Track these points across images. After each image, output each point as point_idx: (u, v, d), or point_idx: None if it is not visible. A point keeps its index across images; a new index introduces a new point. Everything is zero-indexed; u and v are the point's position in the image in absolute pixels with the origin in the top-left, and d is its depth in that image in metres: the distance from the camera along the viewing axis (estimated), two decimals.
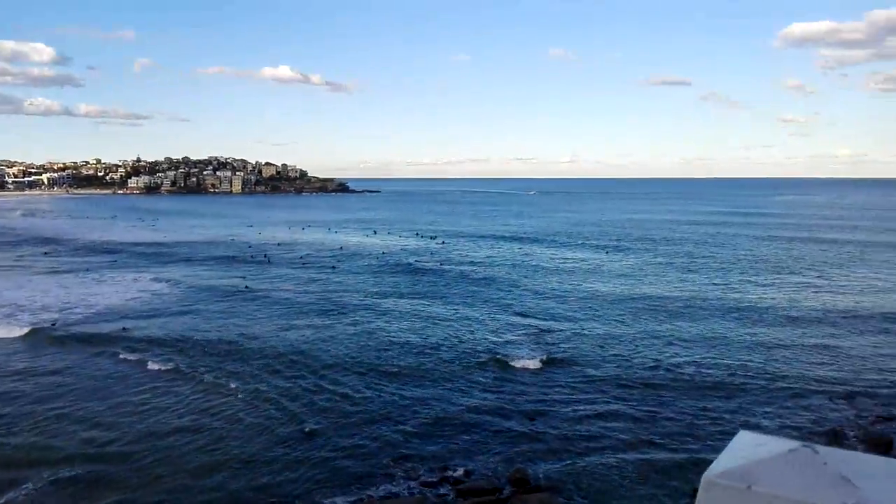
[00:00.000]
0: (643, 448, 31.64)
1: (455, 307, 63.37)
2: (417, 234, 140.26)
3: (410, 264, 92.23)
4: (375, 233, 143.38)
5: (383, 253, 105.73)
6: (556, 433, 33.23)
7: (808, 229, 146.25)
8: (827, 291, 71.48)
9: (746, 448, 1.81)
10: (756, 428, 34.46)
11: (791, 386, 40.58)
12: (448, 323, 56.80)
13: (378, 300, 66.85)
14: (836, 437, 33.38)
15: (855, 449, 31.77)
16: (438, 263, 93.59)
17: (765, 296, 68.75)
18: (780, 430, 34.14)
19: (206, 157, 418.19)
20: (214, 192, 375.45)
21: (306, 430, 33.74)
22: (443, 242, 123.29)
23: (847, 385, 41.17)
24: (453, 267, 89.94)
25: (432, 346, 49.37)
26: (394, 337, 51.89)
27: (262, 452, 31.20)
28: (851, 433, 33.99)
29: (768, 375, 42.38)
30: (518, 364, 44.43)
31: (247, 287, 74.46)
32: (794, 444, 1.77)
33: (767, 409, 36.86)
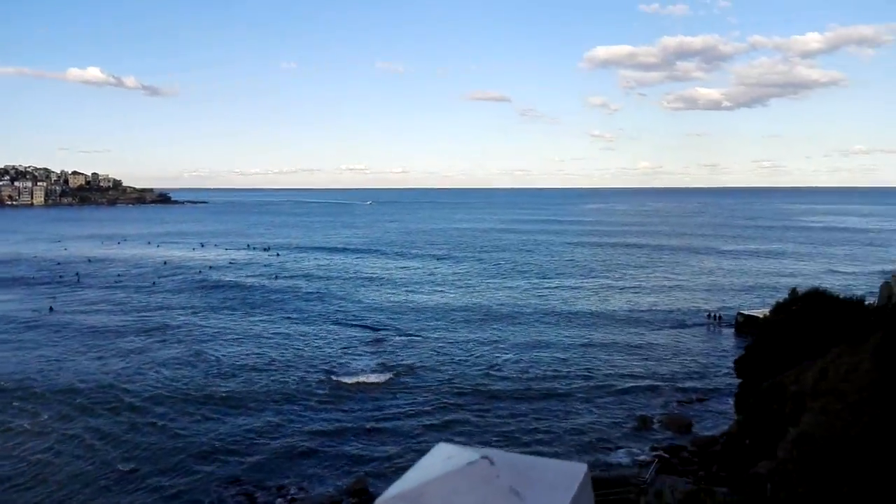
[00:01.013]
0: None
1: (289, 323, 62.00)
2: (249, 246, 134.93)
3: (241, 278, 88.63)
4: (203, 246, 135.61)
5: (210, 267, 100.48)
6: (395, 445, 33.67)
7: (615, 235, 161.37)
8: (631, 292, 79.45)
9: (434, 464, 1.70)
10: (577, 419, 37.62)
11: (605, 381, 44.63)
12: (282, 340, 55.34)
13: (205, 319, 63.49)
14: (644, 424, 37.42)
15: (660, 431, 36.02)
16: (272, 277, 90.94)
17: (579, 298, 74.94)
18: (596, 424, 37.45)
19: (2, 167, 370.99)
20: (13, 205, 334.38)
21: (125, 469, 30.82)
22: (277, 254, 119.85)
23: (652, 376, 46.15)
24: (287, 280, 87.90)
25: (265, 366, 47.64)
26: (223, 358, 49.47)
27: (74, 500, 28.31)
28: (657, 419, 38.25)
29: (585, 373, 46.25)
30: (356, 379, 44.18)
31: (51, 309, 67.45)
32: (476, 455, 1.67)
33: (587, 406, 40.25)
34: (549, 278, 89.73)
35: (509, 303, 71.46)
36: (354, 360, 49.25)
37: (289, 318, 64.25)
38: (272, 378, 44.73)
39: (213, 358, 49.65)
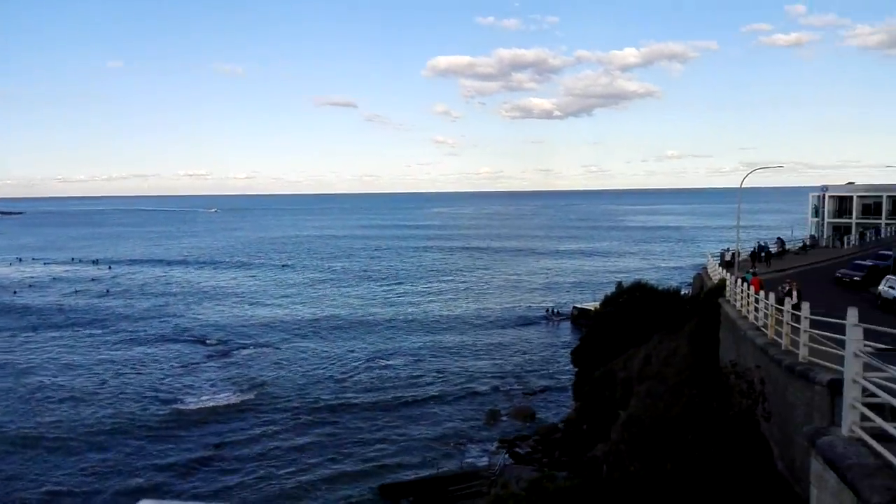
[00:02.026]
0: (326, 467, 32.90)
1: (123, 344, 57.32)
2: (74, 260, 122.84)
3: (65, 297, 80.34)
4: (21, 261, 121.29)
5: (30, 286, 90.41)
6: (246, 475, 31.79)
7: (460, 238, 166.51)
8: (477, 293, 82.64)
9: None
10: (432, 421, 38.58)
11: (457, 382, 46.12)
12: (115, 364, 50.71)
13: (23, 344, 56.92)
14: (493, 417, 39.27)
15: (508, 423, 37.87)
16: (102, 294, 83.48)
17: (428, 302, 76.67)
18: (450, 423, 38.68)
19: None
20: None
21: None
22: (109, 268, 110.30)
23: (499, 372, 48.42)
24: (120, 297, 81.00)
25: (97, 395, 43.20)
26: (47, 389, 44.43)
27: None
28: (504, 412, 40.26)
29: (437, 376, 47.42)
30: (200, 403, 41.46)
31: None
32: None
33: (440, 407, 41.35)
34: (398, 283, 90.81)
35: (360, 310, 71.46)
36: (198, 381, 46.60)
37: (122, 338, 59.49)
38: (105, 409, 40.55)
39: (35, 388, 44.53)
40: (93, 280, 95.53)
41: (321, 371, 48.51)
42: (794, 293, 24.46)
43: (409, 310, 71.62)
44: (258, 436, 36.33)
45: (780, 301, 18.15)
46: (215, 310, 72.55)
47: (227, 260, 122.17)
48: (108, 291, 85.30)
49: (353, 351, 54.11)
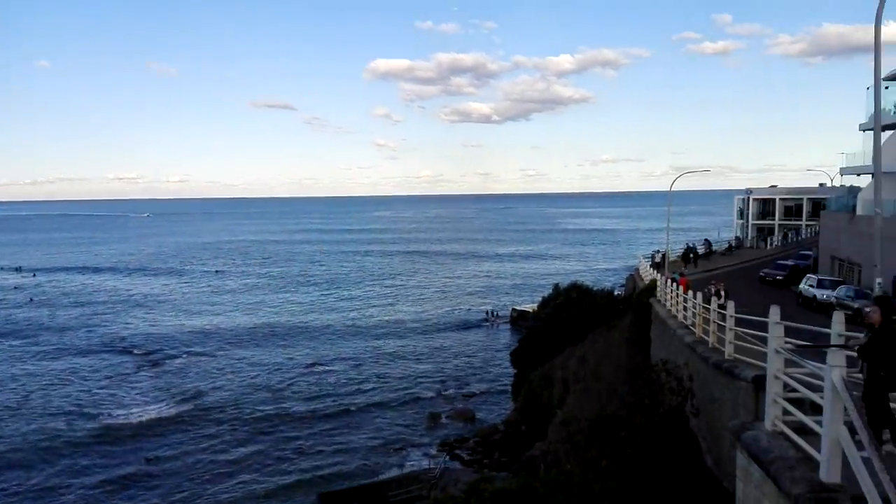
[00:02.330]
0: (264, 479, 32.14)
1: (47, 356, 54.44)
2: None
3: None
4: None
5: None
6: (176, 495, 30.73)
7: (401, 242, 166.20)
8: (417, 297, 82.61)
9: None
10: (373, 427, 38.22)
11: (398, 387, 45.88)
12: (38, 378, 48.01)
13: None
14: (434, 421, 39.24)
15: (448, 426, 37.84)
16: (25, 303, 79.22)
17: (369, 307, 76.10)
18: (391, 428, 38.43)
19: None
20: None
21: None
22: (33, 275, 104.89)
23: (440, 375, 48.43)
24: (44, 306, 77.11)
25: (16, 412, 40.77)
26: None
27: None
28: (445, 415, 40.28)
29: (378, 382, 47.00)
30: (131, 417, 39.63)
31: None
32: None
33: (381, 413, 41.02)
34: (338, 288, 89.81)
35: (298, 316, 70.30)
36: (128, 393, 44.74)
37: (47, 349, 56.62)
38: (29, 425, 38.37)
39: None
40: (15, 288, 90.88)
41: (258, 380, 47.35)
42: (722, 293, 25.38)
43: (349, 315, 70.91)
44: (192, 449, 35.03)
45: (707, 300, 18.80)
46: (146, 318, 69.97)
47: (160, 266, 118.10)
48: (31, 300, 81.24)
49: (291, 358, 53.11)
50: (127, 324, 67.05)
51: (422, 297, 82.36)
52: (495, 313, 69.10)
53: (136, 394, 44.61)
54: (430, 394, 44.40)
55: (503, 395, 43.61)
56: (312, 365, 50.91)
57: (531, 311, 54.80)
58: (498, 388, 45.60)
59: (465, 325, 65.60)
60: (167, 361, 52.58)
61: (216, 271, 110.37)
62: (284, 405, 41.87)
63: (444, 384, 46.39)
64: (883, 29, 14.49)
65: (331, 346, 56.92)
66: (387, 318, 69.25)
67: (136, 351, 55.76)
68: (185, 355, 54.28)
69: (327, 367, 50.30)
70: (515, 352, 44.18)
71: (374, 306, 76.03)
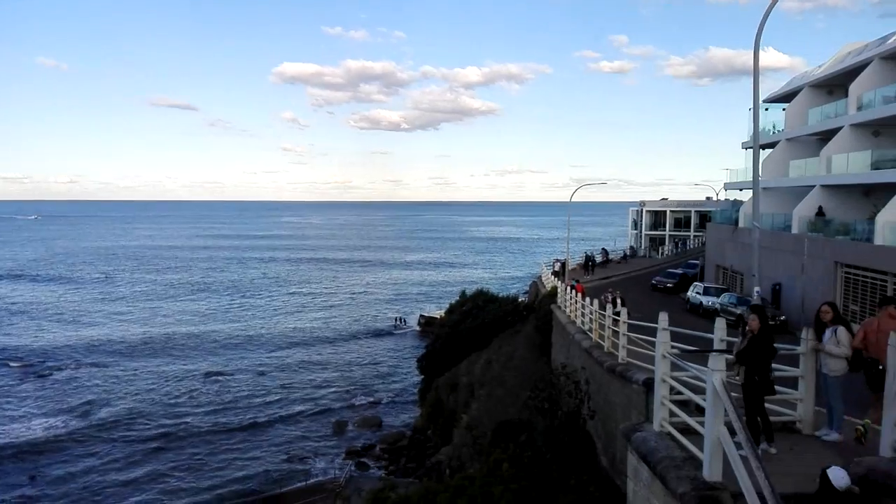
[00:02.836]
0: (160, 499, 30.68)
1: None
2: None
3: None
4: None
5: None
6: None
7: (309, 249, 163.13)
8: (325, 304, 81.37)
9: None
10: (279, 438, 37.25)
11: (304, 396, 44.94)
12: None
13: None
14: (340, 429, 38.74)
15: (354, 433, 37.46)
16: None
17: (275, 315, 74.24)
18: (297, 439, 37.62)
19: None
20: None
21: None
22: None
23: (347, 383, 47.84)
24: None
25: None
26: None
27: None
28: (351, 421, 39.87)
29: (284, 392, 45.81)
30: (12, 437, 36.49)
31: None
32: None
33: (287, 423, 40.05)
34: (241, 296, 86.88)
35: (198, 325, 67.49)
36: (9, 409, 41.36)
37: None
38: None
39: None
40: None
41: (153, 393, 45.00)
42: (618, 300, 26.60)
43: (253, 323, 68.85)
44: (81, 470, 32.80)
45: (603, 307, 19.69)
46: (30, 328, 65.05)
47: (47, 272, 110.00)
48: None
49: (189, 370, 50.87)
50: (9, 333, 62.09)
51: (329, 304, 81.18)
52: (403, 320, 69.14)
53: (19, 408, 41.40)
54: (337, 402, 43.81)
55: (410, 402, 43.69)
56: (213, 376, 48.99)
57: (439, 317, 55.22)
58: (405, 394, 45.65)
59: (373, 333, 65.23)
60: (54, 373, 49.08)
61: (108, 277, 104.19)
62: (183, 419, 40.02)
63: (351, 392, 45.91)
64: (762, 55, 15.66)
65: (233, 356, 55.02)
66: (292, 326, 67.76)
67: (16, 363, 51.67)
68: (73, 367, 50.83)
69: (229, 378, 48.58)
70: (422, 357, 44.40)
71: (280, 314, 74.23)
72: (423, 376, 43.69)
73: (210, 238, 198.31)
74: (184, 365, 51.98)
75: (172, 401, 43.37)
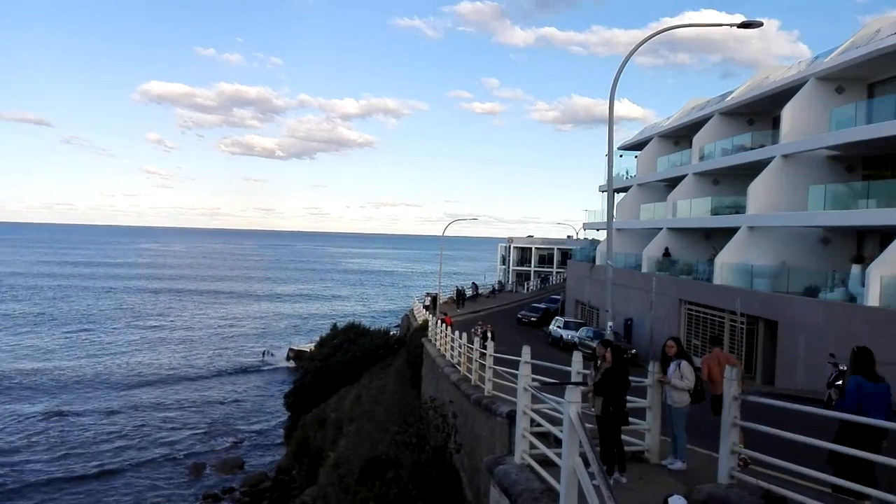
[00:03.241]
0: None
1: None
2: None
3: None
4: None
5: None
6: None
7: (171, 278, 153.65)
8: (187, 338, 76.84)
9: None
10: (129, 487, 34.38)
11: (160, 439, 41.76)
12: None
13: None
14: (197, 472, 36.43)
15: (213, 476, 35.32)
16: None
17: (129, 351, 68.89)
18: (151, 486, 34.89)
19: None
20: None
21: None
22: None
23: (208, 422, 45.17)
24: None
25: None
26: None
27: None
28: (210, 463, 37.61)
29: (137, 436, 42.38)
30: None
31: None
32: None
33: (140, 469, 36.96)
34: (91, 330, 79.92)
35: (41, 362, 61.18)
36: None
37: None
38: None
39: None
40: None
41: None
42: (489, 334, 27.36)
43: (103, 359, 63.46)
44: None
45: (472, 340, 20.18)
46: None
47: None
48: None
49: (28, 412, 45.75)
50: None
51: (190, 338, 76.66)
52: (271, 353, 66.72)
53: None
54: (196, 445, 41.18)
55: (276, 441, 42.02)
56: (55, 417, 44.44)
57: (308, 350, 53.89)
58: (270, 433, 43.85)
59: (237, 368, 62.34)
60: None
61: None
62: (18, 468, 35.86)
63: (211, 433, 43.39)
64: (617, 105, 17.03)
65: (79, 396, 50.29)
66: (148, 362, 63.23)
67: None
68: None
69: (74, 420, 44.29)
70: (289, 394, 43.05)
71: (133, 349, 69.07)
72: (289, 413, 42.29)
73: (56, 265, 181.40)
74: (21, 405, 46.78)
75: (6, 446, 38.85)
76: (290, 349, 65.02)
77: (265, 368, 62.92)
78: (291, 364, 60.85)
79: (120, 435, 42.09)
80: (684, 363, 10.35)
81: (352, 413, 32.19)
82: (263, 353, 66.91)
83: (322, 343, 46.31)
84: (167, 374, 58.80)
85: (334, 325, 47.91)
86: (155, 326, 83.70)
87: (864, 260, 23.50)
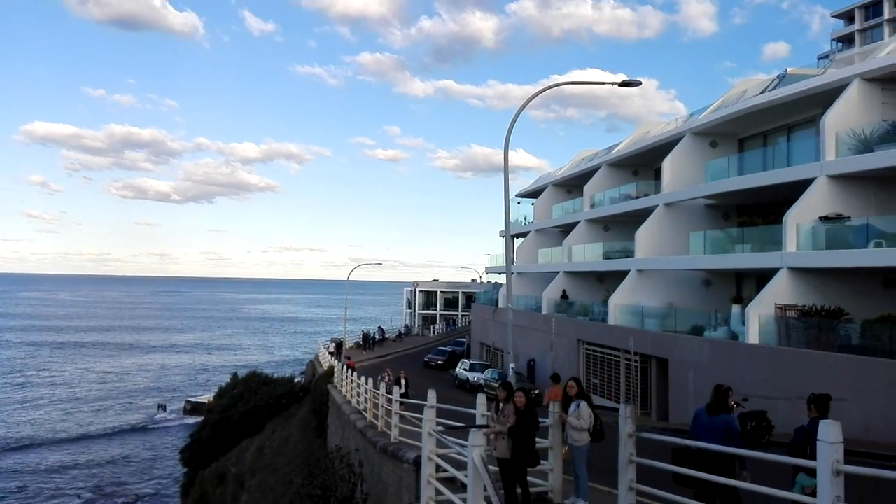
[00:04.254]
0: None
1: None
2: None
3: None
4: None
5: None
6: None
7: (52, 330, 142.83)
8: (70, 394, 71.29)
9: None
10: None
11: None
12: None
13: None
14: None
15: None
16: None
17: (3, 408, 63.30)
18: None
19: None
20: None
21: None
22: None
23: (93, 483, 42.01)
24: None
25: None
26: None
27: None
28: None
29: (14, 499, 38.99)
30: None
31: None
32: None
33: None
34: None
35: None
36: None
37: None
38: None
39: None
40: None
41: None
42: (402, 381, 27.23)
43: None
44: None
45: (377, 386, 20.12)
46: None
47: None
48: None
49: None
50: None
51: (75, 394, 71.14)
52: (164, 406, 63.15)
53: None
54: None
55: (170, 499, 39.61)
56: None
57: (207, 402, 51.45)
58: (164, 492, 41.31)
59: (128, 424, 58.50)
60: None
61: None
62: None
63: (98, 495, 40.38)
64: (513, 155, 17.94)
65: None
66: (28, 419, 58.20)
67: None
68: None
69: None
70: (186, 448, 40.83)
71: (11, 408, 63.37)
72: (186, 469, 40.04)
73: None
74: None
75: None
76: (187, 401, 61.89)
77: (159, 423, 59.41)
78: (188, 418, 57.80)
79: None
80: (583, 404, 10.48)
81: (254, 466, 30.97)
82: (157, 407, 63.25)
83: (221, 394, 44.36)
84: (46, 433, 54.27)
85: (234, 375, 46.08)
86: (31, 383, 77.12)
87: (742, 300, 25.38)
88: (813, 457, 7.20)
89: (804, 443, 8.39)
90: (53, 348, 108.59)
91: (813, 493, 6.95)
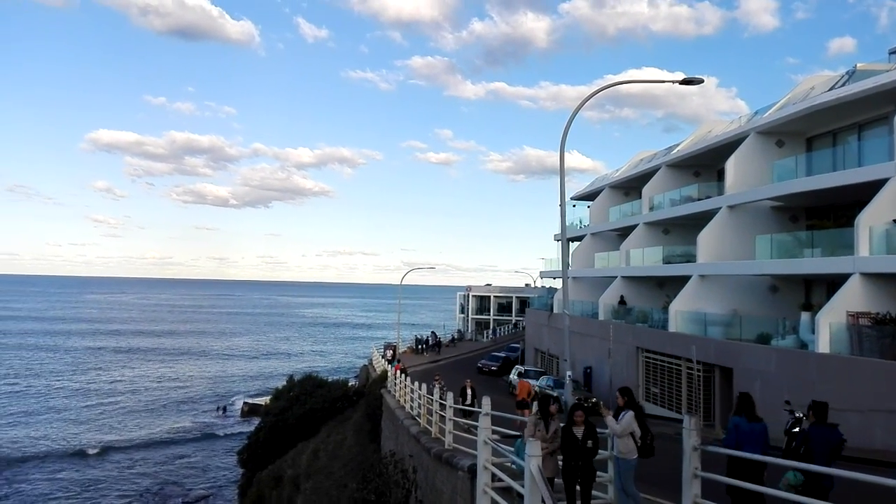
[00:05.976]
0: None
1: None
2: None
3: None
4: None
5: None
6: None
7: (118, 330, 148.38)
8: (133, 394, 73.75)
9: None
10: None
11: (106, 500, 39.88)
12: None
13: None
14: None
15: None
16: None
17: (72, 407, 65.85)
18: None
19: None
20: None
21: None
22: None
23: (157, 481, 43.21)
24: None
25: None
26: None
27: None
28: None
29: (77, 492, 40.45)
30: None
31: None
32: None
33: None
34: (27, 387, 76.07)
35: None
36: None
37: None
38: None
39: None
40: None
41: None
42: (468, 390, 26.87)
43: (42, 418, 60.46)
44: None
45: (431, 392, 19.93)
46: None
47: None
48: None
49: None
50: None
51: (138, 393, 73.66)
52: (224, 408, 64.69)
53: None
54: None
55: (229, 500, 40.41)
56: None
57: (264, 404, 52.39)
58: (223, 492, 42.18)
59: (189, 424, 60.12)
60: None
61: None
62: None
63: (159, 494, 41.55)
64: (567, 157, 17.51)
65: (20, 462, 47.62)
66: (93, 418, 60.52)
67: None
68: None
69: (17, 487, 41.87)
70: (243, 450, 41.60)
71: (77, 405, 66.02)
72: (243, 470, 40.79)
73: None
74: None
75: None
76: (245, 402, 63.22)
77: (219, 424, 60.83)
78: (246, 419, 59.02)
79: (61, 495, 39.93)
80: (629, 414, 9.90)
81: (309, 469, 31.23)
82: (217, 409, 64.83)
83: (277, 396, 45.06)
84: (114, 430, 56.31)
85: (290, 377, 46.75)
86: (99, 381, 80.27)
87: (812, 307, 24.21)
88: (806, 458, 8.36)
89: (799, 446, 9.08)
90: (117, 352, 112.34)
91: (796, 490, 8.22)
